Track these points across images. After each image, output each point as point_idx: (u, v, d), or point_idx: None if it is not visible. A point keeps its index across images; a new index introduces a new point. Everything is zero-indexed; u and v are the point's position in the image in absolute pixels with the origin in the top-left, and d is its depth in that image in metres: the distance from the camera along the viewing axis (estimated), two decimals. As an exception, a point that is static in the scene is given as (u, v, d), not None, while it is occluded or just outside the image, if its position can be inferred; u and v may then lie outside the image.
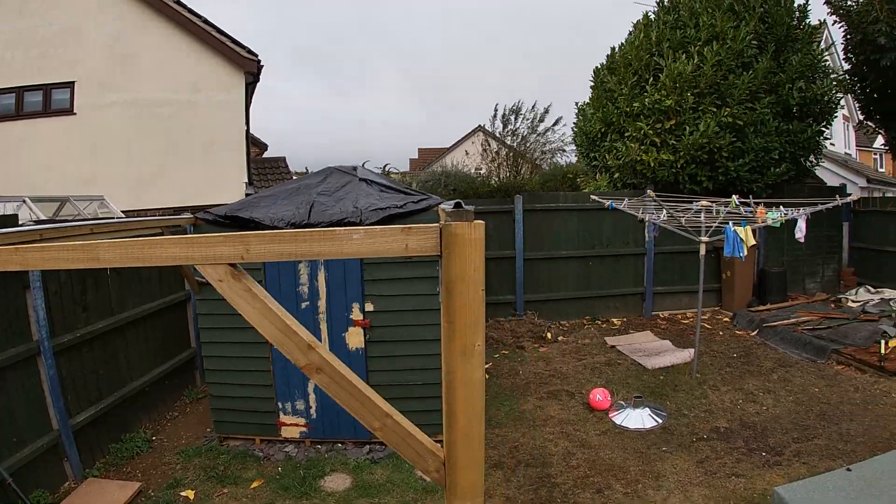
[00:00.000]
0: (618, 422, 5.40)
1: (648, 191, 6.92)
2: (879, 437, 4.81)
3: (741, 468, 4.51)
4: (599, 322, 9.39)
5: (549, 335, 8.47)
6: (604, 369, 6.99)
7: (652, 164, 8.98)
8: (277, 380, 5.16)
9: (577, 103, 11.04)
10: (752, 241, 5.68)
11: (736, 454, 4.74)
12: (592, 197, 8.21)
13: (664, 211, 6.38)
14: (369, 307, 4.97)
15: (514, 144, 11.27)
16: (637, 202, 7.46)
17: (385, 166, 9.55)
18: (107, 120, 11.61)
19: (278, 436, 5.26)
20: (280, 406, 5.20)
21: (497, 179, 10.25)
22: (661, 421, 5.36)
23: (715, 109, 8.63)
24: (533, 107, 11.28)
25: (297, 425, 5.22)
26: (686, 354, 7.13)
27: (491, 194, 9.39)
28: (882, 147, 18.45)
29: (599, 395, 5.72)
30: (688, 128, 8.70)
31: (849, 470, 3.26)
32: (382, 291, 4.94)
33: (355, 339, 5.04)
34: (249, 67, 12.15)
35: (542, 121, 10.95)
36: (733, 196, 6.25)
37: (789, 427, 5.17)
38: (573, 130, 11.35)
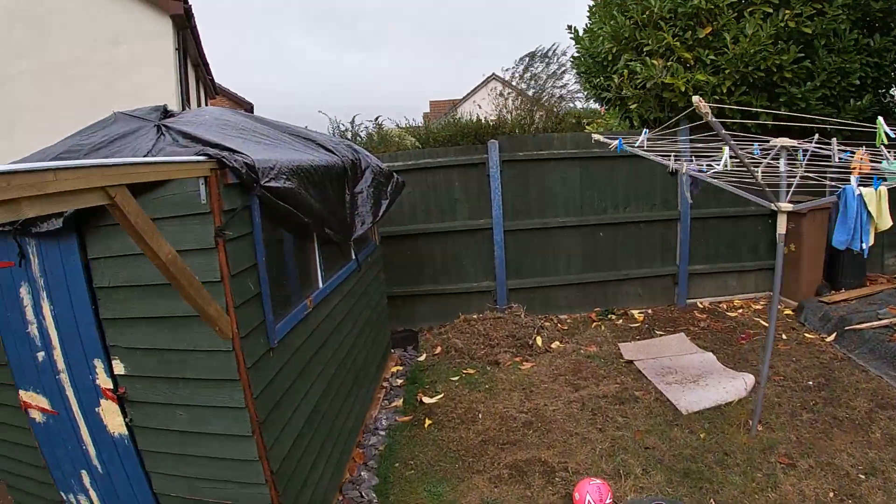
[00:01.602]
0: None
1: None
2: None
3: None
4: (613, 316, 6.78)
5: (538, 340, 5.99)
6: (611, 412, 4.47)
7: (683, 89, 6.20)
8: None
9: (570, 27, 8.12)
10: (888, 221, 3.07)
11: None
12: (595, 137, 5.51)
13: (725, 153, 3.51)
14: (119, 368, 2.65)
15: (531, 93, 9.42)
16: (662, 143, 4.79)
17: (377, 118, 7.51)
18: (20, 90, 9.73)
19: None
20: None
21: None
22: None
23: (770, 10, 5.76)
24: (553, 49, 8.86)
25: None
26: (740, 384, 4.55)
27: (456, 140, 6.82)
28: None
29: (592, 499, 3.27)
30: (728, 35, 5.88)
31: None
32: (136, 342, 2.57)
33: (113, 419, 2.78)
34: (176, 10, 9.93)
35: (556, 62, 8.59)
36: (880, 120, 3.25)
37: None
38: (572, 60, 8.54)
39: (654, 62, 6.39)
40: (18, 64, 9.67)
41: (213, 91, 16.73)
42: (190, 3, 10.09)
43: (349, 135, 7.36)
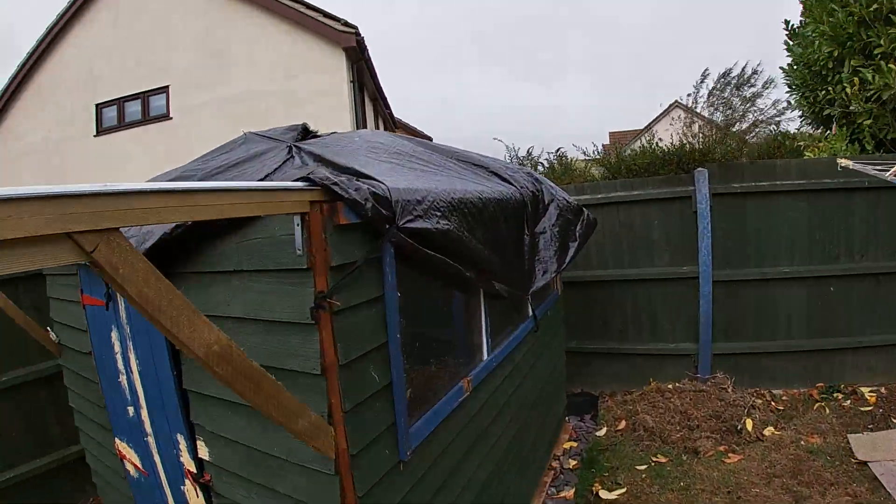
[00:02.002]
0: None
1: None
2: None
3: None
4: (839, 395, 4.91)
5: (748, 424, 4.48)
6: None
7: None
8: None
9: (786, 22, 6.55)
10: None
11: None
12: (843, 163, 4.01)
13: None
14: (203, 451, 1.98)
15: (720, 120, 7.86)
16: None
17: (558, 150, 6.93)
18: (202, 120, 10.50)
19: None
20: None
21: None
22: None
23: None
24: (743, 71, 7.51)
25: None
26: None
27: (654, 169, 5.63)
28: None
29: None
30: None
31: None
32: (221, 427, 1.87)
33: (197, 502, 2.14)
34: (348, 42, 10.04)
35: (749, 84, 7.07)
36: None
37: None
38: (784, 70, 6.88)
39: (893, 66, 4.73)
40: (201, 96, 10.40)
41: (392, 125, 16.65)
42: (362, 36, 10.14)
43: (528, 164, 6.63)
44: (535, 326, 3.53)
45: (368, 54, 10.67)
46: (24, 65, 11.06)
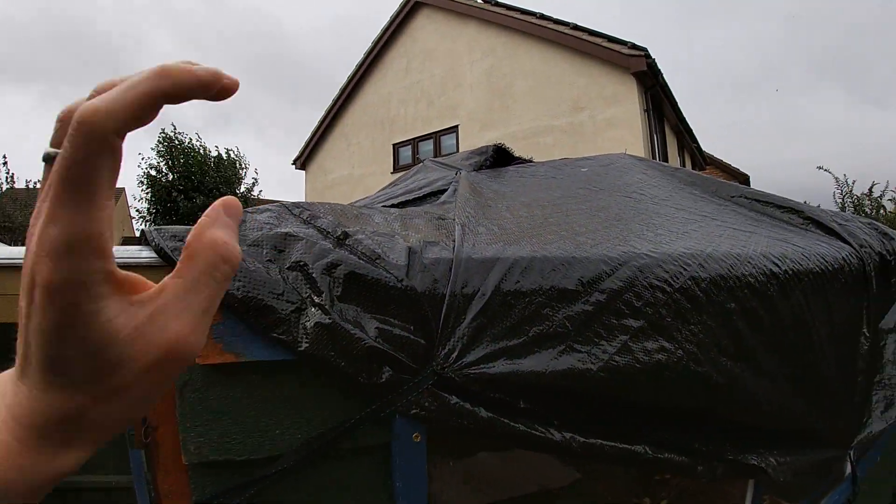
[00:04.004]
0: None
1: None
2: None
3: None
4: None
5: None
6: None
7: None
8: None
9: None
10: None
11: None
12: None
13: None
14: None
15: None
16: None
17: (872, 185, 5.38)
18: (487, 158, 10.85)
19: None
20: None
21: None
22: None
23: None
24: None
25: None
26: None
27: None
28: None
29: None
30: None
31: None
32: None
33: None
34: (637, 66, 9.36)
35: None
36: None
37: None
38: None
39: None
40: (487, 133, 10.54)
41: (701, 161, 14.40)
42: (654, 58, 9.53)
43: (866, 206, 5.65)
44: (853, 495, 1.81)
45: (664, 79, 9.98)
46: (329, 111, 12.57)
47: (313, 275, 0.71)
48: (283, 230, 0.75)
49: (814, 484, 1.56)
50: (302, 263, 0.72)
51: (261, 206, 0.81)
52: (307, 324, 0.69)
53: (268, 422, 0.71)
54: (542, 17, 10.11)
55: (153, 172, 12.83)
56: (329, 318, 0.69)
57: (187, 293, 0.28)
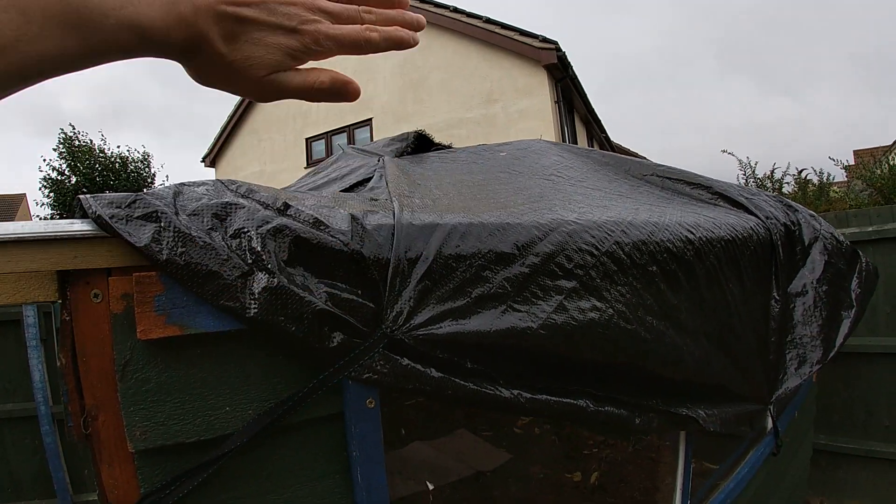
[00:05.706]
0: None
1: None
2: None
3: None
4: None
5: None
6: None
7: None
8: None
9: None
10: None
11: None
12: None
13: None
14: None
15: None
16: None
17: (801, 171, 5.90)
18: (403, 152, 10.88)
19: None
20: None
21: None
22: None
23: None
24: None
25: None
26: None
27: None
28: None
29: None
30: None
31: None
32: None
33: None
34: (548, 59, 9.71)
35: None
36: None
37: None
38: None
39: None
40: (401, 126, 10.71)
41: (609, 150, 14.24)
42: (564, 51, 9.88)
43: (768, 188, 6.12)
44: (777, 448, 2.04)
45: (573, 71, 10.41)
46: (238, 106, 12.06)
47: (258, 240, 0.70)
48: (223, 199, 0.72)
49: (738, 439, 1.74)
50: (245, 230, 0.71)
51: (196, 181, 0.78)
52: (255, 288, 0.68)
53: (216, 398, 0.69)
54: (456, 10, 10.21)
55: (55, 175, 11.95)
56: (277, 282, 0.68)
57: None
